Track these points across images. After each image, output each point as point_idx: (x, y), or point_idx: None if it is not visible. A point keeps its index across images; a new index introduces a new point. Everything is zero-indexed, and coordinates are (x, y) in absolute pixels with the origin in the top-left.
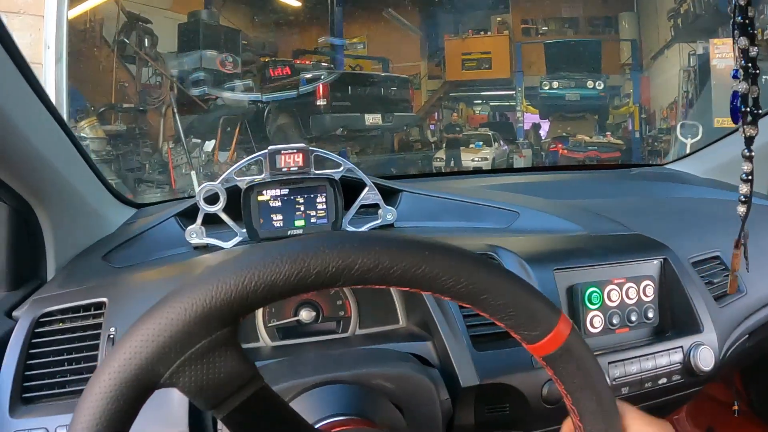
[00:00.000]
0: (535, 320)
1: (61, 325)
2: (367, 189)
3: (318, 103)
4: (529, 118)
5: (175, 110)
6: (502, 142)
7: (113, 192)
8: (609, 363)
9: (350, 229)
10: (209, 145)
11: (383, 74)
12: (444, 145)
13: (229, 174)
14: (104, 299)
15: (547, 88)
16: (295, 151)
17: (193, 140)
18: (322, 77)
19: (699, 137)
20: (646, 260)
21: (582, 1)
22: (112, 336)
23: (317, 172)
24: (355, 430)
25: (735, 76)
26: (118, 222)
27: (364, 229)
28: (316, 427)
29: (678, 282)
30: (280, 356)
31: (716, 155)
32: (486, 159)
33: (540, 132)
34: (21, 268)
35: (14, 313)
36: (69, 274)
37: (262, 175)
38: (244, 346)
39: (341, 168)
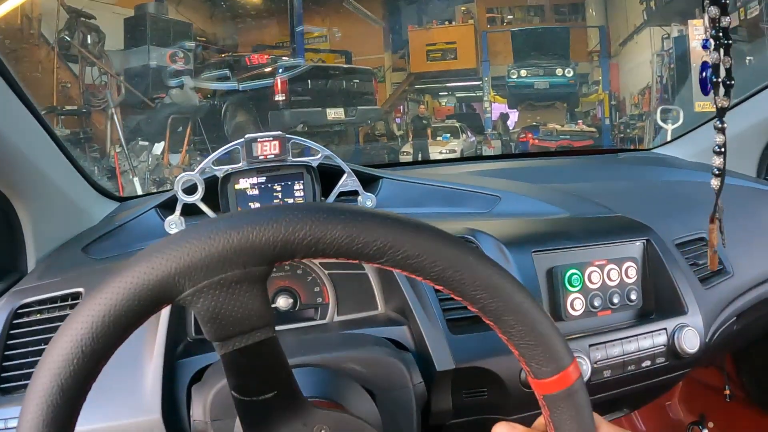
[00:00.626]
0: (550, 357)
1: (38, 316)
2: (345, 176)
3: (277, 99)
4: (497, 108)
5: (116, 112)
6: (469, 134)
7: (95, 186)
8: (590, 345)
9: None
10: (159, 148)
11: (345, 66)
12: (410, 138)
13: (206, 163)
14: (80, 289)
15: (515, 76)
16: (271, 138)
17: (140, 143)
18: (300, 67)
19: (680, 122)
20: (629, 241)
21: None
22: None
23: (294, 159)
24: (339, 413)
25: (705, 47)
26: (99, 215)
27: None
28: None
29: (661, 263)
30: None
31: (703, 138)
32: (454, 151)
33: (508, 122)
34: (1, 261)
35: None
36: (48, 266)
37: (240, 164)
38: None
39: (318, 155)
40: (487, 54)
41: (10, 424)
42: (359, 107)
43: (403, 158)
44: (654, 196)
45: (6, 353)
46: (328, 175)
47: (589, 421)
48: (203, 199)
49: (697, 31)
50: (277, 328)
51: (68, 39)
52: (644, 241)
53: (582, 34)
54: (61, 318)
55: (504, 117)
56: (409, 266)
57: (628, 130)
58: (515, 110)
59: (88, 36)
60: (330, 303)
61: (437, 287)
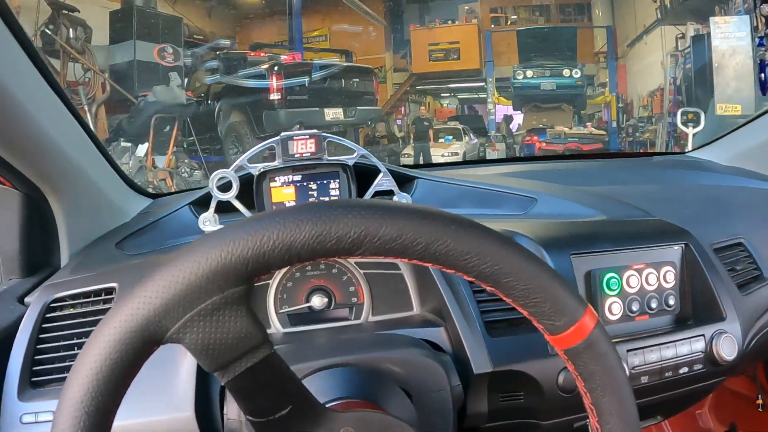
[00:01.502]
0: (560, 310)
1: (71, 310)
2: (381, 175)
3: (271, 98)
4: (501, 110)
5: (98, 110)
6: (472, 136)
7: (128, 182)
8: (628, 351)
9: None
10: (142, 149)
11: (345, 64)
12: (412, 140)
13: (242, 161)
14: (114, 284)
15: (520, 77)
16: (307, 137)
17: (122, 144)
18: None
19: (701, 126)
20: (667, 246)
21: None
22: None
23: (330, 158)
24: (362, 412)
25: (761, 44)
26: (133, 212)
27: None
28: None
29: (700, 268)
30: (292, 342)
31: (739, 142)
32: (456, 153)
33: (512, 124)
34: (34, 255)
35: (26, 299)
36: (81, 261)
37: (275, 162)
38: None
39: (354, 154)
40: (491, 54)
41: (41, 418)
42: (359, 107)
43: (404, 161)
44: (691, 200)
45: (38, 347)
46: (363, 174)
47: (618, 366)
48: (238, 197)
49: (719, 29)
50: (311, 327)
51: (50, 33)
52: (683, 245)
53: (588, 34)
54: (94, 312)
55: (508, 119)
56: (391, 251)
57: (637, 133)
58: (519, 112)
59: (72, 30)
60: (365, 303)
61: (426, 264)
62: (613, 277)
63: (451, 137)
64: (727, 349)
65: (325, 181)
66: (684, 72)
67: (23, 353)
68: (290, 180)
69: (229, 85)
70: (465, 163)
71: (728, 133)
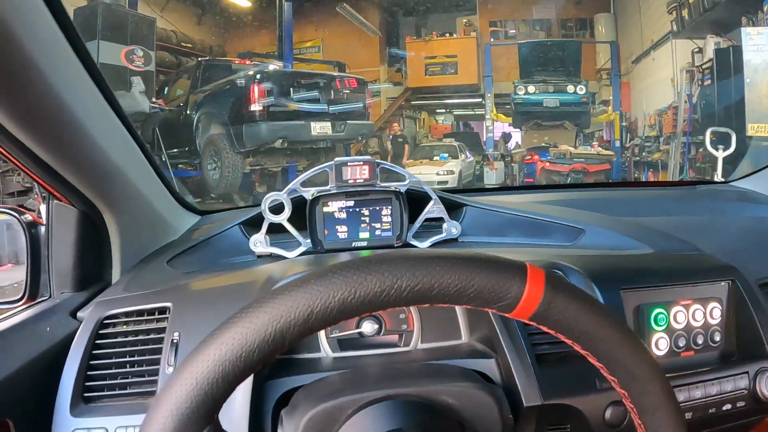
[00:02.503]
0: (500, 288)
1: (124, 328)
2: (432, 203)
3: (252, 109)
4: (499, 127)
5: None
6: (468, 154)
7: (178, 198)
8: (673, 387)
9: (414, 242)
10: None
11: (334, 74)
12: (406, 157)
13: (295, 184)
14: (168, 304)
15: (522, 93)
16: (361, 163)
17: None
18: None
19: (732, 148)
20: (714, 282)
21: (554, 1)
22: (175, 341)
23: (383, 184)
24: None
25: None
26: (182, 228)
27: (428, 243)
28: None
29: (746, 305)
30: (341, 368)
31: None
32: (452, 172)
33: (510, 142)
34: (87, 271)
35: (79, 314)
36: (134, 277)
37: (328, 186)
38: (306, 356)
39: (407, 181)
40: (490, 68)
41: None
42: (349, 121)
43: None
44: (736, 233)
45: (91, 363)
46: (414, 201)
47: (595, 307)
48: (289, 219)
49: (751, 41)
50: (361, 353)
51: None
52: (729, 281)
53: (590, 51)
54: (148, 331)
55: (506, 137)
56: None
57: (644, 153)
58: (518, 130)
59: None
60: (414, 330)
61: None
62: (661, 313)
63: (446, 155)
64: None
65: (377, 208)
66: (702, 89)
67: (76, 369)
68: (343, 205)
69: (208, 94)
70: (508, 188)
71: None
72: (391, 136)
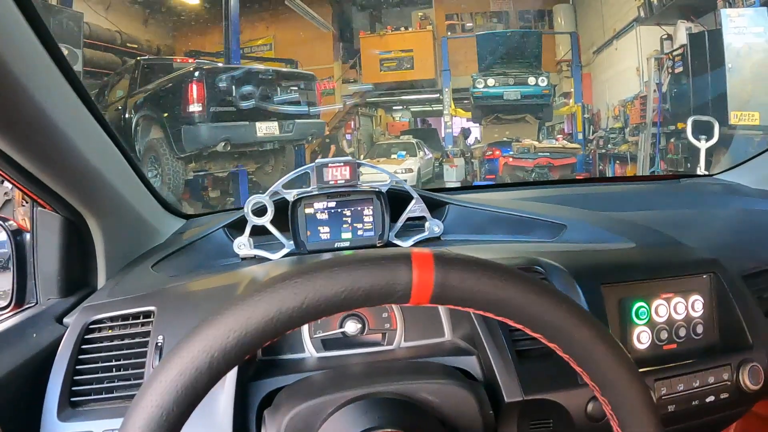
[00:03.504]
0: (388, 281)
1: (110, 332)
2: (414, 201)
3: (190, 110)
4: (459, 123)
5: None
6: (427, 151)
7: (162, 203)
8: (656, 380)
9: (396, 242)
10: None
11: (282, 69)
12: (362, 156)
13: (276, 186)
14: (153, 308)
15: (481, 86)
16: (342, 164)
17: None
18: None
19: (715, 138)
20: (696, 275)
21: None
22: (159, 344)
23: (364, 184)
24: None
25: None
26: (167, 232)
27: (410, 242)
28: None
29: (728, 297)
30: (325, 367)
31: None
32: (411, 170)
33: (470, 138)
34: (72, 276)
35: (65, 320)
36: (119, 282)
37: (310, 188)
38: (290, 356)
39: (388, 180)
40: (447, 62)
41: None
42: (297, 121)
43: None
44: (720, 226)
45: (77, 367)
46: (396, 200)
47: (486, 275)
48: (272, 221)
49: (732, 23)
50: (344, 352)
51: None
52: (711, 274)
53: (549, 42)
54: (132, 335)
55: (465, 132)
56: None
57: (609, 146)
58: (478, 125)
59: None
60: (398, 329)
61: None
62: (642, 307)
63: (404, 153)
64: (754, 378)
65: (359, 208)
66: (673, 77)
67: (63, 374)
68: (325, 206)
69: (147, 96)
70: (490, 186)
71: (759, 155)
72: (348, 136)
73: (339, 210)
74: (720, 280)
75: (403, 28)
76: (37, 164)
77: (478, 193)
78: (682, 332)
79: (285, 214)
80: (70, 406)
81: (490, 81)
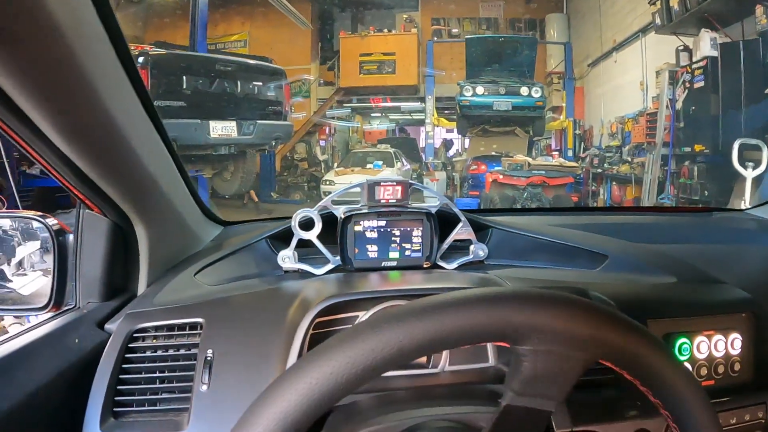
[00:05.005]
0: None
1: (154, 342)
2: (461, 224)
3: None
4: (439, 133)
5: None
6: (405, 161)
7: (203, 209)
8: None
9: (441, 263)
10: None
11: (239, 59)
12: (336, 164)
13: (326, 201)
14: (200, 320)
15: (468, 94)
16: (395, 183)
17: None
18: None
19: (764, 166)
20: (735, 313)
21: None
22: (209, 359)
23: (414, 205)
24: None
25: None
26: (206, 239)
27: (455, 264)
28: None
29: (765, 336)
30: (370, 390)
31: None
32: None
33: (453, 149)
34: (114, 281)
35: (106, 326)
36: (162, 289)
37: (359, 205)
38: None
39: (437, 202)
40: (432, 68)
41: None
42: (260, 121)
43: (326, 188)
44: (755, 263)
45: (121, 377)
46: (440, 221)
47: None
48: (318, 236)
49: None
50: (388, 374)
51: None
52: (750, 312)
53: (540, 53)
54: (178, 347)
55: (447, 144)
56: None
57: (605, 165)
58: (461, 136)
59: None
60: (443, 352)
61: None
62: (685, 343)
63: (381, 163)
64: None
65: (408, 228)
66: (691, 93)
67: (106, 382)
68: (374, 225)
69: None
70: (526, 210)
71: None
72: (322, 142)
73: (388, 229)
74: (758, 319)
75: (386, 30)
76: (97, 169)
77: (516, 216)
78: (721, 369)
79: (330, 229)
80: (112, 416)
81: (479, 89)
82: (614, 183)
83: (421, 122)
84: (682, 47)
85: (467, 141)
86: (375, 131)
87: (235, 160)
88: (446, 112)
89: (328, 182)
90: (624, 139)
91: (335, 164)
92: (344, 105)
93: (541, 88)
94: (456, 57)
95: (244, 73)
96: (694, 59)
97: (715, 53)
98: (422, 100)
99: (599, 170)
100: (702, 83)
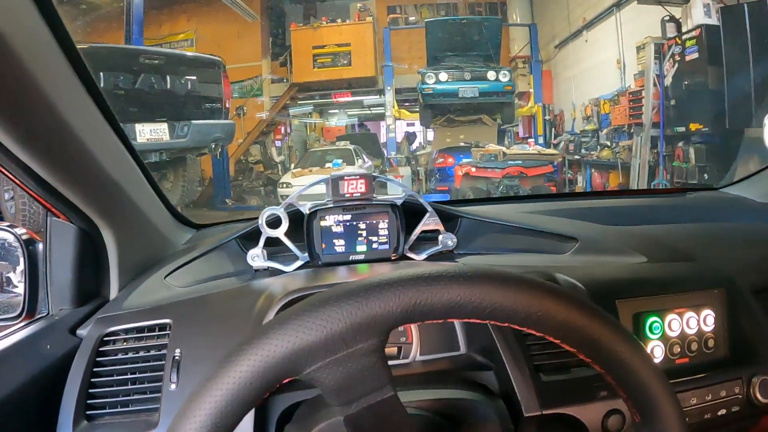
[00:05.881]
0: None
1: (124, 345)
2: (428, 215)
3: None
4: (401, 126)
5: None
6: (366, 158)
7: (173, 213)
8: None
9: (410, 255)
10: None
11: (175, 52)
12: (293, 165)
13: (291, 198)
14: (168, 321)
15: (431, 81)
16: (358, 177)
17: None
18: None
19: None
20: (707, 290)
21: None
22: (177, 358)
23: (379, 198)
24: None
25: None
26: (178, 242)
27: (424, 255)
28: None
29: (738, 312)
30: None
31: None
32: None
33: (416, 142)
34: (85, 287)
35: (78, 331)
36: (132, 293)
37: (324, 201)
38: None
39: (402, 194)
40: (389, 56)
41: None
42: (195, 122)
43: (282, 191)
44: (727, 240)
45: (92, 380)
46: (409, 213)
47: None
48: (286, 233)
49: None
50: None
51: None
52: (722, 289)
53: (503, 37)
54: (148, 348)
55: (410, 137)
56: (519, 321)
57: (583, 151)
58: (430, 129)
59: None
60: (413, 342)
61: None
62: (656, 321)
63: (340, 161)
64: (764, 392)
65: (374, 221)
66: (682, 66)
67: (78, 386)
68: (340, 219)
69: None
70: (500, 199)
71: (765, 168)
72: (278, 142)
73: (354, 223)
74: (731, 295)
75: (339, 20)
76: (57, 176)
77: (487, 205)
78: (694, 346)
79: (298, 226)
80: (85, 419)
81: (443, 76)
82: (594, 169)
83: (382, 116)
84: (668, 17)
85: (431, 133)
86: (334, 128)
87: (174, 167)
88: (407, 104)
89: (284, 185)
90: (600, 122)
91: (292, 165)
92: (299, 102)
93: (509, 72)
94: (414, 46)
95: (174, 66)
96: (684, 30)
97: (709, 20)
98: (381, 92)
99: (576, 156)
100: (696, 54)
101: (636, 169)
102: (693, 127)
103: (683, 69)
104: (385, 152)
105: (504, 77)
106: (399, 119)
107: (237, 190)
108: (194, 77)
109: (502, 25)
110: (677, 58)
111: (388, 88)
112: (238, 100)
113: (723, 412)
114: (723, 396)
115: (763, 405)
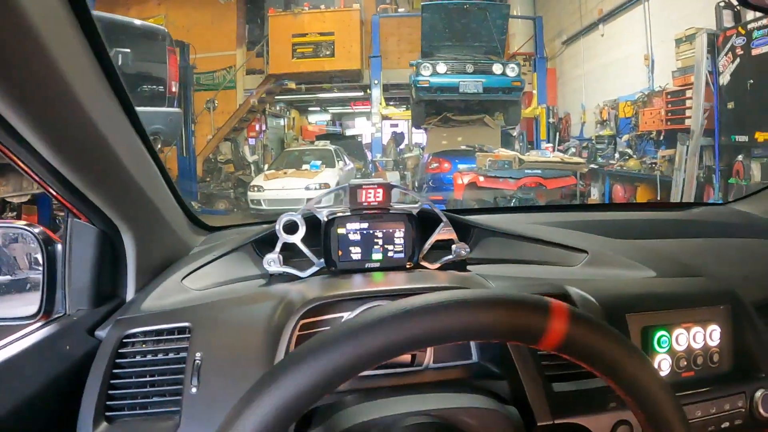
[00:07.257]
0: (527, 322)
1: (144, 347)
2: (442, 225)
3: None
4: (396, 126)
5: None
6: (347, 160)
7: (189, 214)
8: None
9: (424, 264)
10: None
11: (103, 15)
12: (266, 165)
13: (310, 205)
14: (188, 324)
15: (427, 74)
16: (376, 186)
17: None
18: None
19: None
20: (713, 306)
21: None
22: (198, 362)
23: (396, 207)
24: None
25: None
26: (192, 244)
27: (438, 264)
28: None
29: (743, 328)
30: (354, 388)
31: None
32: (327, 185)
33: (404, 144)
34: (103, 288)
35: (96, 332)
36: (150, 295)
37: (342, 208)
38: None
39: (418, 203)
40: (378, 47)
41: None
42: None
43: (253, 195)
44: (733, 256)
45: (112, 381)
46: (422, 221)
47: (615, 340)
48: (303, 239)
49: None
50: (373, 372)
51: None
52: (728, 305)
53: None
54: (167, 351)
55: (398, 138)
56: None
57: (600, 160)
58: (422, 130)
59: None
60: (427, 350)
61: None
62: (664, 336)
63: (319, 163)
64: (766, 406)
65: (390, 230)
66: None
67: (98, 388)
68: (357, 227)
69: None
70: (511, 209)
71: None
72: (251, 140)
73: (371, 231)
74: (736, 311)
75: (323, 6)
76: (83, 178)
77: (498, 214)
78: (700, 360)
79: (314, 232)
80: (105, 420)
81: (441, 67)
82: (616, 182)
83: (368, 114)
84: (723, 3)
85: (419, 135)
86: (315, 127)
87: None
88: (392, 103)
89: (256, 188)
90: (618, 126)
91: (265, 166)
92: (276, 97)
93: (517, 66)
94: (404, 38)
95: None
96: (748, 18)
97: None
98: (366, 88)
99: (592, 166)
100: (766, 47)
101: (679, 185)
102: (760, 137)
103: (747, 65)
104: (370, 155)
105: (512, 72)
106: (386, 119)
107: (204, 193)
108: (127, 49)
109: (509, 12)
110: (739, 51)
111: (375, 82)
112: (208, 92)
113: (726, 425)
114: (727, 409)
115: (765, 419)
